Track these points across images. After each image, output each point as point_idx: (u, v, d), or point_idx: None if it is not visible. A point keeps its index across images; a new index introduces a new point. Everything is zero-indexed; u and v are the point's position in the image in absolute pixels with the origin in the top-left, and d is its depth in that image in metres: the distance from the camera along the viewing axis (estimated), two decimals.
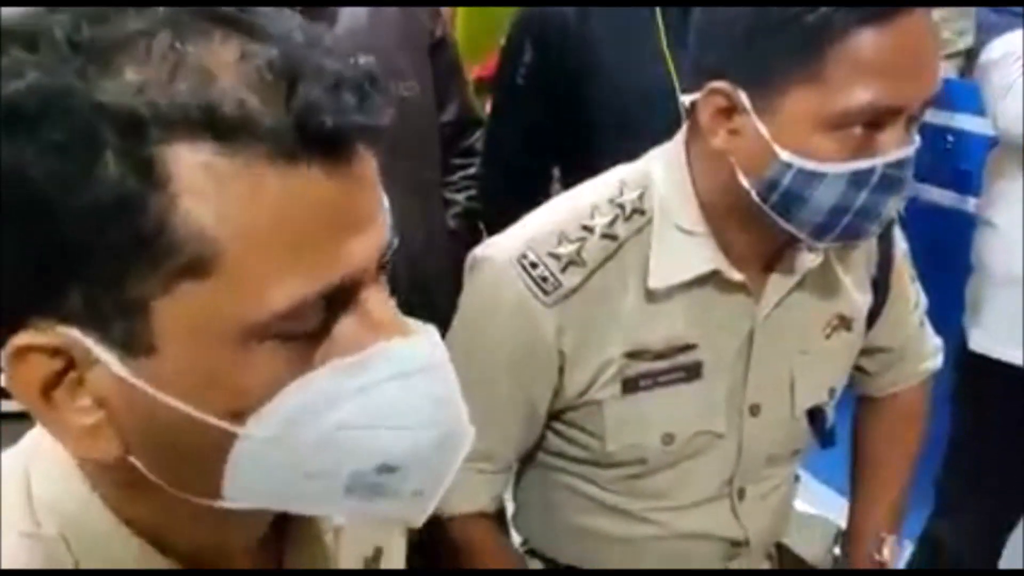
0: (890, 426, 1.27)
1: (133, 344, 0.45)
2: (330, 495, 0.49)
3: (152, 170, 0.42)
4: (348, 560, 0.67)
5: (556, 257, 0.97)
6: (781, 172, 0.88)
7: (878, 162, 0.87)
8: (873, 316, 1.15)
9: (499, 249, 1.00)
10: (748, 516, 1.12)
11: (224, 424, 0.46)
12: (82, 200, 0.41)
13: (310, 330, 0.46)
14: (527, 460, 1.15)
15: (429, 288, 1.28)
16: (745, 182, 0.92)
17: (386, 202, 0.49)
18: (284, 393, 0.46)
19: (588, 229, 0.98)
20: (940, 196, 2.14)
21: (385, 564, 0.73)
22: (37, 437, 0.53)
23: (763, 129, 0.88)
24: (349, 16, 1.37)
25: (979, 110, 1.74)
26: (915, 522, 1.97)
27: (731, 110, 0.90)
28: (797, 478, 1.35)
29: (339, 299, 0.47)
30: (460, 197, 1.59)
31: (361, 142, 0.46)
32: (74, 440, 0.47)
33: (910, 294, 1.20)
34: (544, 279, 0.97)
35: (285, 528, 0.60)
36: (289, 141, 0.43)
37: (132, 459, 0.48)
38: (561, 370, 1.01)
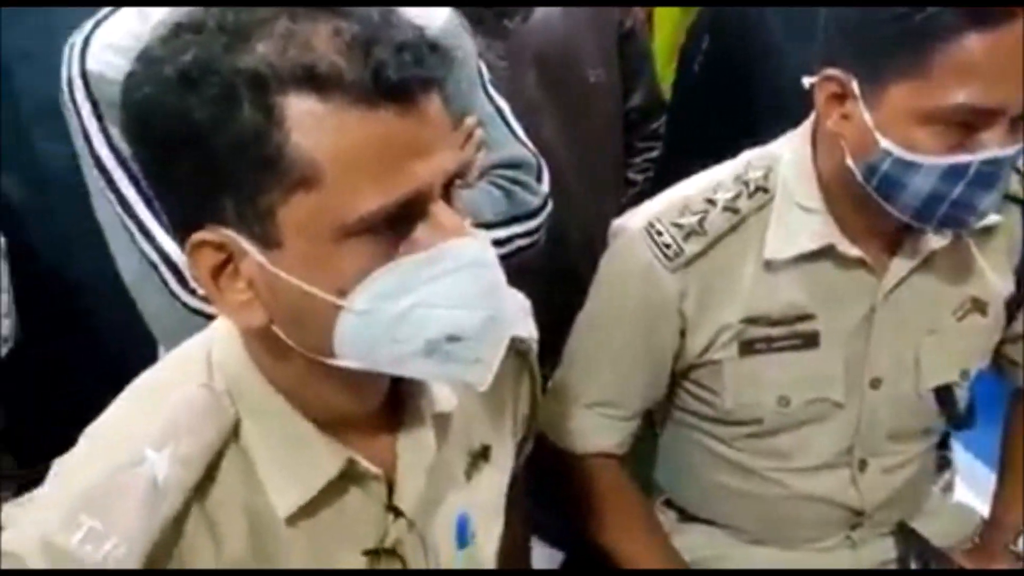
0: None
1: (267, 240, 0.62)
2: (413, 357, 0.65)
3: (272, 113, 0.59)
4: (454, 449, 0.82)
5: (679, 227, 1.08)
6: (881, 158, 0.95)
7: (973, 159, 0.91)
8: (1016, 303, 1.15)
9: (633, 219, 1.12)
10: (869, 488, 1.17)
11: (331, 298, 0.62)
12: (228, 135, 0.59)
13: (392, 231, 0.62)
14: (665, 417, 1.26)
15: (600, 252, 1.41)
16: (852, 164, 0.98)
17: (453, 138, 0.65)
18: (372, 277, 0.62)
19: (711, 202, 1.08)
20: None
21: (493, 462, 0.87)
22: (221, 319, 0.74)
23: (867, 117, 0.95)
24: (544, 9, 1.52)
25: None
26: None
27: (843, 96, 0.97)
28: (946, 463, 1.36)
29: (413, 209, 0.62)
30: (640, 178, 1.70)
31: (422, 90, 0.61)
32: (235, 312, 0.66)
33: None
34: (667, 246, 1.08)
35: (398, 410, 0.77)
36: (366, 91, 0.59)
37: (275, 328, 0.66)
38: (683, 332, 1.11)
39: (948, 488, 1.45)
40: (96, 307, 1.48)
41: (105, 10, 1.09)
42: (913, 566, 1.22)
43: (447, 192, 0.65)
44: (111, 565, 0.62)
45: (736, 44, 1.49)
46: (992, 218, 1.06)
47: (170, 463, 0.66)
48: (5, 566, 0.62)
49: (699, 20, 1.59)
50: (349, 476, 0.73)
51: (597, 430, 1.20)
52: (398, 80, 0.59)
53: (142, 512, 0.64)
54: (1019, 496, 1.25)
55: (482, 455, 0.86)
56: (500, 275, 0.67)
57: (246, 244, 0.63)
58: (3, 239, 1.38)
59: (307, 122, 0.59)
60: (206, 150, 0.60)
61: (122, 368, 0.77)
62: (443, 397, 0.78)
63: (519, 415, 0.94)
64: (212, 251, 0.64)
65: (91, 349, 1.47)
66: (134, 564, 0.62)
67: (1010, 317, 1.17)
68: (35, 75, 1.29)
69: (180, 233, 0.65)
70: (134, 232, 1.06)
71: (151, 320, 1.12)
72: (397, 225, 0.63)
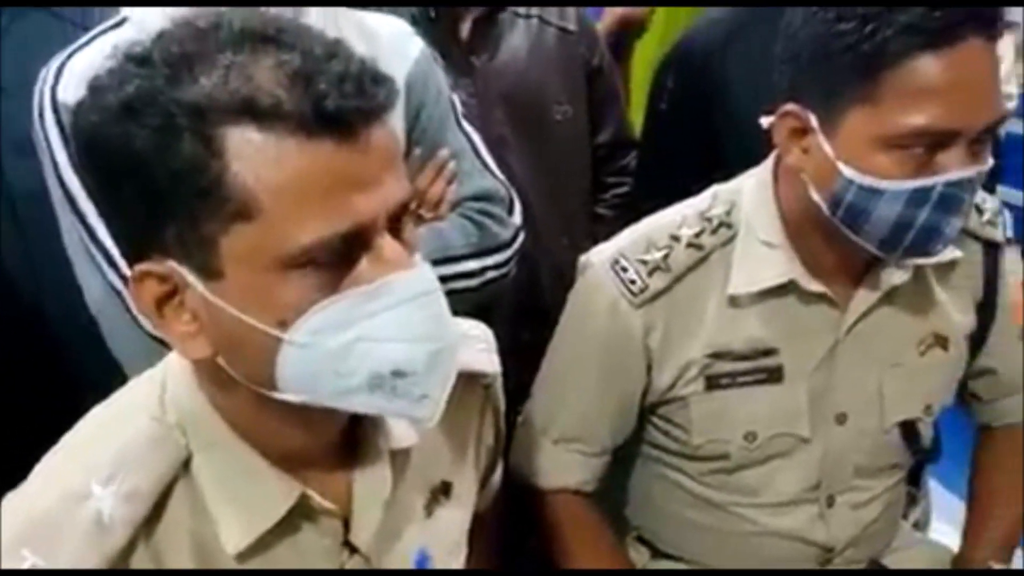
0: (1006, 458, 1.26)
1: (209, 270, 0.62)
2: (357, 392, 0.65)
3: (212, 144, 0.60)
4: (413, 485, 0.81)
5: (644, 263, 1.08)
6: (845, 188, 0.95)
7: (936, 181, 0.92)
8: (977, 339, 1.16)
9: (599, 255, 1.13)
10: (837, 524, 1.17)
11: (272, 330, 0.63)
12: (169, 165, 0.60)
13: (334, 264, 0.62)
14: (633, 451, 1.25)
15: (570, 287, 1.41)
16: (816, 197, 0.99)
17: (401, 170, 0.64)
18: (313, 310, 0.62)
19: (675, 238, 1.09)
20: None
21: (455, 499, 0.86)
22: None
23: (828, 147, 0.95)
24: (510, 47, 1.54)
25: None
26: None
27: (802, 130, 0.98)
28: (916, 499, 1.36)
29: (357, 241, 0.62)
30: (611, 213, 1.71)
31: (363, 121, 0.61)
32: (180, 343, 0.66)
33: None
34: (633, 282, 1.08)
35: (355, 446, 0.76)
36: (306, 122, 0.59)
37: (219, 360, 0.66)
38: (649, 367, 1.12)
39: (922, 524, 1.44)
40: (65, 337, 1.46)
41: (80, 40, 1.09)
42: None
43: (398, 224, 0.65)
44: None
45: (699, 83, 1.51)
46: (952, 253, 1.07)
47: (115, 499, 0.65)
48: None
49: (665, 60, 1.61)
50: (302, 512, 0.72)
51: (564, 466, 1.19)
52: (337, 110, 0.60)
53: (85, 548, 0.63)
54: (986, 533, 1.25)
55: (442, 491, 0.86)
56: (444, 307, 0.67)
57: (189, 275, 0.63)
58: None
59: (246, 153, 0.60)
60: (147, 180, 0.60)
61: (88, 397, 0.76)
62: (402, 433, 0.78)
63: (482, 450, 0.94)
64: (156, 282, 0.64)
65: (57, 378, 1.45)
66: None
67: (972, 352, 1.17)
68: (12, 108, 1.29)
69: (128, 262, 0.65)
70: (98, 258, 1.06)
71: (115, 348, 1.11)
72: (340, 258, 0.62)
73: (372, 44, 1.15)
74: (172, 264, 0.63)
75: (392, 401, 0.66)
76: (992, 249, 1.15)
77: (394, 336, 0.64)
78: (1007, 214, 1.17)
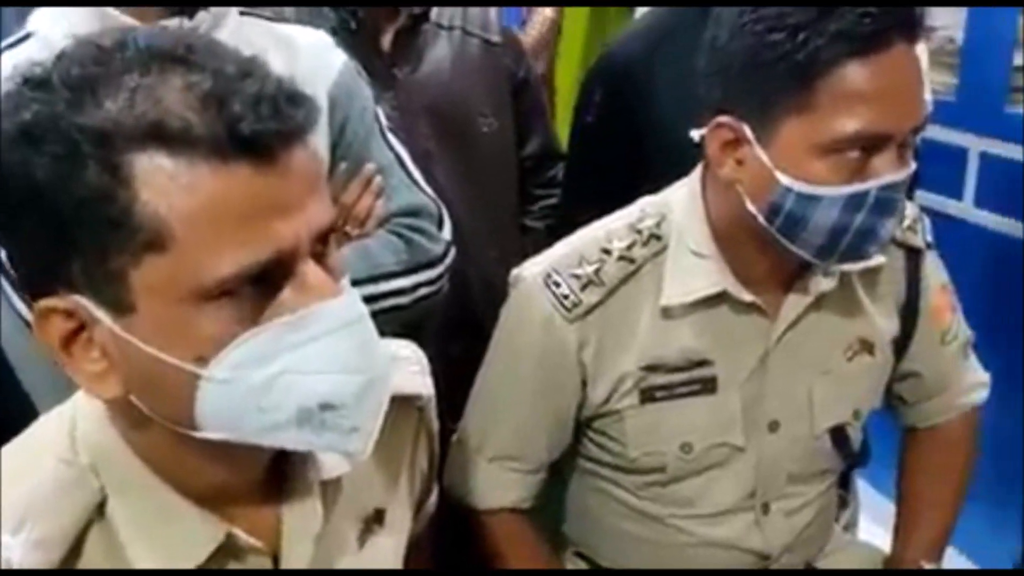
0: (931, 458, 1.28)
1: (119, 305, 0.59)
2: (284, 427, 0.62)
3: (119, 172, 0.56)
4: (345, 515, 0.78)
5: (576, 277, 1.08)
6: (783, 196, 0.96)
7: (871, 185, 0.93)
8: (902, 343, 1.18)
9: (531, 269, 1.12)
10: (772, 531, 1.17)
11: (190, 367, 0.59)
12: (73, 195, 0.56)
13: (255, 294, 0.59)
14: (570, 466, 1.24)
15: (500, 301, 1.39)
16: (752, 208, 0.99)
17: (323, 192, 0.62)
18: (234, 343, 0.59)
19: (607, 252, 1.08)
20: None
21: (388, 527, 0.84)
22: None
23: (764, 157, 0.96)
24: (433, 60, 1.52)
25: None
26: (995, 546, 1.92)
27: (736, 142, 0.99)
28: (844, 503, 1.38)
29: (278, 269, 0.59)
30: (539, 225, 1.70)
31: (282, 143, 0.58)
32: (88, 383, 0.62)
33: (946, 325, 1.22)
34: (566, 297, 1.07)
35: (283, 479, 0.73)
36: (219, 146, 0.56)
37: (132, 398, 0.62)
38: (584, 382, 1.11)
39: (850, 525, 1.47)
40: None
41: (14, 36, 1.04)
42: None
43: (322, 248, 0.62)
44: None
45: (626, 95, 1.51)
46: (876, 259, 1.09)
47: (25, 547, 0.61)
48: None
49: (590, 73, 1.61)
50: (228, 551, 0.68)
51: (501, 485, 1.17)
52: (253, 134, 0.57)
53: None
54: (917, 534, 1.27)
55: (376, 519, 0.83)
56: (373, 335, 0.64)
57: (97, 311, 0.59)
58: None
59: (157, 180, 0.57)
60: (50, 211, 0.57)
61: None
62: (331, 463, 0.75)
63: (416, 474, 0.91)
64: (62, 319, 0.60)
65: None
66: None
67: (897, 356, 1.20)
68: None
69: (32, 298, 0.61)
70: (5, 287, 1.01)
71: (25, 381, 1.06)
72: (261, 287, 0.60)
73: (291, 57, 1.12)
74: (78, 299, 0.59)
75: (321, 435, 0.63)
76: (913, 254, 1.18)
77: (321, 368, 0.61)
78: (926, 220, 1.20)
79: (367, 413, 0.64)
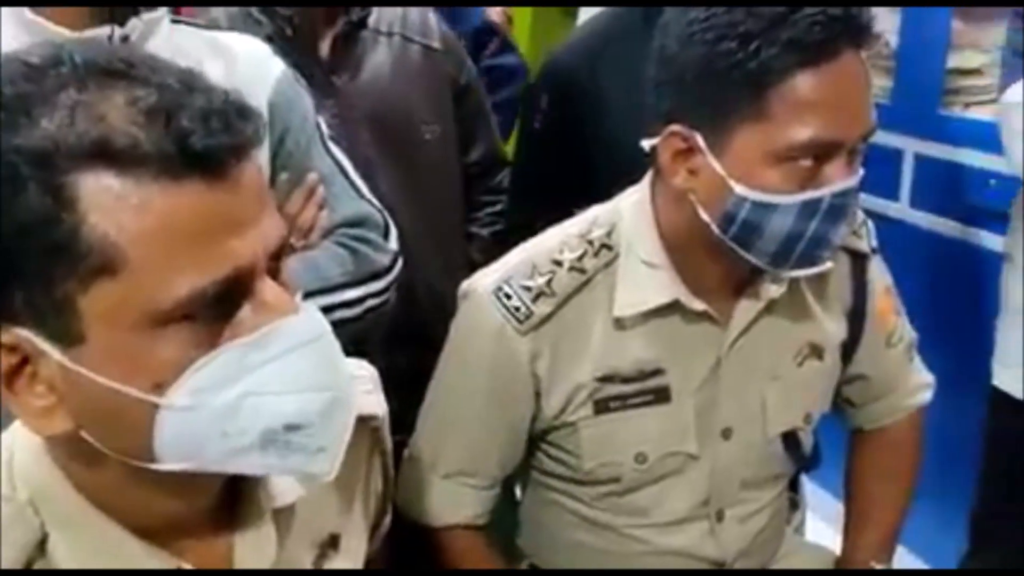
0: (880, 459, 1.30)
1: (68, 336, 0.55)
2: (248, 452, 0.59)
3: (62, 194, 0.53)
4: (300, 541, 0.75)
5: (528, 289, 1.06)
6: (737, 205, 0.95)
7: (825, 192, 0.94)
8: (849, 347, 1.19)
9: (482, 281, 1.10)
10: (727, 538, 1.17)
11: (147, 397, 0.56)
12: (12, 221, 0.53)
13: (212, 315, 0.56)
14: (524, 479, 1.23)
15: (447, 310, 1.38)
16: (706, 217, 0.99)
17: (273, 207, 0.60)
18: (193, 368, 0.56)
19: (558, 263, 1.07)
20: (993, 241, 2.13)
21: (344, 551, 0.81)
22: None
23: (718, 166, 0.95)
24: (373, 66, 1.49)
25: None
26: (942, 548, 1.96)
27: (688, 151, 0.98)
28: (795, 506, 1.38)
29: (235, 288, 0.57)
30: (485, 232, 1.68)
31: (233, 157, 0.56)
32: (34, 420, 0.58)
33: (892, 327, 1.23)
34: (517, 308, 1.05)
35: (234, 507, 0.70)
36: (170, 163, 0.54)
37: (84, 433, 0.59)
38: (537, 394, 1.09)
39: (799, 527, 1.47)
40: None
41: None
42: None
43: (276, 264, 0.60)
44: None
45: (572, 102, 1.51)
46: (825, 265, 1.09)
47: None
48: None
49: (536, 79, 1.60)
50: None
51: (456, 502, 1.15)
52: (204, 149, 0.54)
53: None
54: (866, 535, 1.28)
55: (331, 544, 0.80)
56: (337, 351, 0.62)
57: (43, 343, 0.56)
58: None
59: (104, 201, 0.54)
60: None
61: None
62: (285, 488, 0.72)
63: (371, 495, 0.88)
64: (4, 353, 0.56)
65: None
66: None
67: (845, 360, 1.20)
68: None
69: None
70: None
71: None
72: (218, 308, 0.57)
73: (229, 65, 1.08)
74: (21, 332, 0.56)
75: (286, 458, 0.60)
76: (859, 259, 1.19)
77: (285, 387, 0.58)
78: (870, 224, 1.21)
79: (333, 432, 0.62)
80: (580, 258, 1.07)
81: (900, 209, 2.30)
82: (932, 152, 2.22)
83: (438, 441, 1.15)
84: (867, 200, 2.18)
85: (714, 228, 0.99)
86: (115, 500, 0.63)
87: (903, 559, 2.11)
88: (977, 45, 2.16)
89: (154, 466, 0.59)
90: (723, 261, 1.03)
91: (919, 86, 2.24)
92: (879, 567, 1.25)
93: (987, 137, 1.92)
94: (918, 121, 2.23)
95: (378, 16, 1.50)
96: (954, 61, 2.19)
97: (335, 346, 0.62)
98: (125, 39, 1.00)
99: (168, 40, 1.04)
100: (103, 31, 0.98)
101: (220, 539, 0.69)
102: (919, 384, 1.29)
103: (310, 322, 0.60)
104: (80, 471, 0.62)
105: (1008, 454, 1.72)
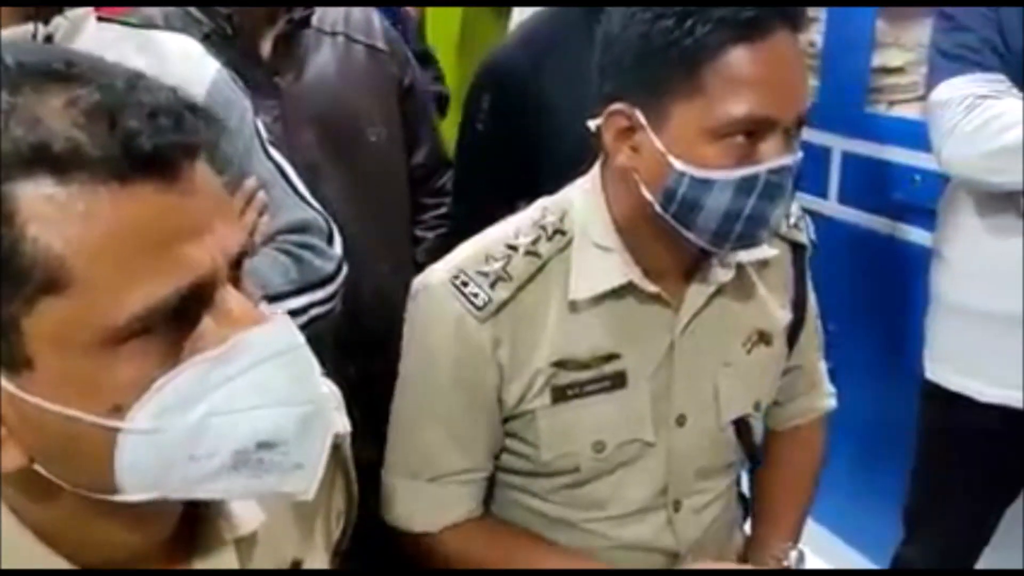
0: (793, 458, 1.34)
1: (13, 361, 0.51)
2: (218, 475, 0.55)
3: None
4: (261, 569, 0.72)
5: (484, 275, 1.06)
6: (677, 181, 0.97)
7: (761, 168, 0.96)
8: (793, 334, 1.22)
9: (434, 275, 1.09)
10: (683, 529, 1.18)
11: (105, 421, 0.52)
12: None
13: (172, 329, 0.53)
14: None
15: (396, 314, 1.37)
16: (648, 195, 1.01)
17: (233, 211, 0.57)
18: (155, 387, 0.52)
19: (512, 248, 1.07)
20: (920, 237, 2.17)
21: None
22: None
23: (658, 142, 0.97)
24: (317, 67, 1.47)
25: None
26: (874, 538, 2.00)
27: (630, 129, 1.00)
28: (743, 499, 1.40)
29: (196, 299, 0.53)
30: (430, 235, 1.68)
31: (186, 157, 0.53)
32: None
33: (816, 323, 1.27)
34: (475, 295, 1.05)
35: (192, 537, 0.66)
36: (117, 166, 0.50)
37: (36, 467, 0.54)
38: (501, 382, 1.08)
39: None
40: None
41: None
42: None
43: (236, 272, 0.57)
44: None
45: (514, 102, 1.51)
46: (768, 252, 1.12)
47: None
48: None
49: (478, 79, 1.60)
50: None
51: (449, 502, 1.14)
52: (153, 149, 0.50)
53: None
54: (779, 523, 1.31)
55: (293, 571, 0.76)
56: (312, 364, 0.58)
57: None
58: None
59: (46, 212, 0.49)
60: None
61: None
62: (246, 515, 0.67)
63: (332, 516, 0.85)
64: None
65: None
66: None
67: (790, 346, 1.23)
68: None
69: None
70: None
71: None
72: (177, 321, 0.53)
73: (158, 64, 1.05)
74: None
75: (260, 478, 0.56)
76: (799, 250, 1.22)
77: (256, 403, 0.54)
78: (808, 219, 1.25)
79: (311, 448, 0.58)
80: (534, 243, 1.07)
81: (829, 206, 2.37)
82: (859, 150, 2.28)
83: (418, 447, 1.13)
84: (797, 197, 2.23)
85: (656, 206, 1.00)
86: (67, 535, 0.58)
87: (840, 551, 2.14)
88: (900, 44, 2.22)
89: (116, 498, 0.55)
90: (670, 242, 1.04)
91: (844, 85, 2.30)
92: (788, 546, 1.26)
93: (912, 135, 1.99)
94: (845, 119, 2.29)
95: (321, 15, 1.48)
96: (878, 60, 2.26)
97: (310, 358, 0.57)
98: (49, 38, 0.96)
99: (94, 38, 1.01)
100: (26, 29, 0.95)
101: (179, 571, 0.65)
102: (829, 389, 1.35)
103: (282, 333, 0.56)
104: (28, 506, 0.57)
105: (941, 445, 1.76)
